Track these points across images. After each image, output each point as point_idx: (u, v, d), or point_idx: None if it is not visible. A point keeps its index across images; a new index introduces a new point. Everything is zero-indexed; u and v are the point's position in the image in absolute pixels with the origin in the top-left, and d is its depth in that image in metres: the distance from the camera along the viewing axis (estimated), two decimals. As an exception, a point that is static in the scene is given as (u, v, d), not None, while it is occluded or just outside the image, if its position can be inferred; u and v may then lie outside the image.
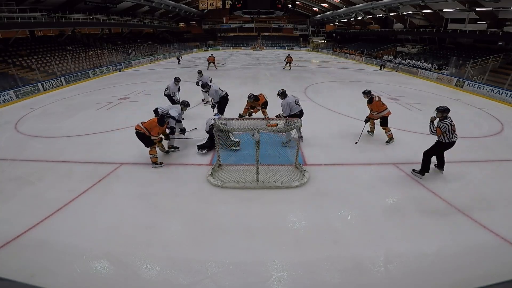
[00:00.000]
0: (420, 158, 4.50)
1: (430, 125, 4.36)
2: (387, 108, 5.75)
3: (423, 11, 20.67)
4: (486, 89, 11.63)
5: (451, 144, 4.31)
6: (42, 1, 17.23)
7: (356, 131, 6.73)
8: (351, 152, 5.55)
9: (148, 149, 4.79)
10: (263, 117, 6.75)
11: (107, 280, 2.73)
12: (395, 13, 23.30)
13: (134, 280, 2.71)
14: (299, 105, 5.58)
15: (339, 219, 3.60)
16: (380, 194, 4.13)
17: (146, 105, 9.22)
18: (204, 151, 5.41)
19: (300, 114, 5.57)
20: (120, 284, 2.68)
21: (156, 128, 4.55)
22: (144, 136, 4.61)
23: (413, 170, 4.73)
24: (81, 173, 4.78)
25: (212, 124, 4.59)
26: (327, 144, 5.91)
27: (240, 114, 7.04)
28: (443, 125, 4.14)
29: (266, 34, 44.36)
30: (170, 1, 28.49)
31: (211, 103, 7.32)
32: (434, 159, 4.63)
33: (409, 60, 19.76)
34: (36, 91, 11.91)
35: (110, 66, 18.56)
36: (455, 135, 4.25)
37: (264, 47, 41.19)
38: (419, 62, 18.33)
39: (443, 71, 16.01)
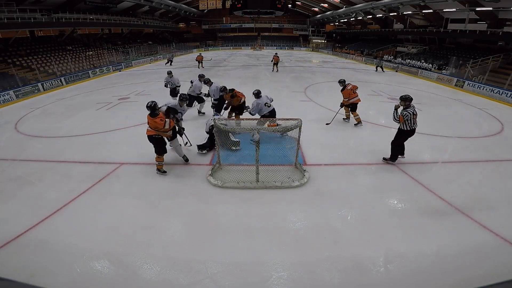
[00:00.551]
0: (420, 158, 4.51)
1: (394, 113, 4.60)
2: (357, 96, 6.68)
3: (423, 11, 20.66)
4: (486, 89, 11.63)
5: (412, 131, 4.59)
6: (42, 1, 17.22)
7: (356, 131, 6.74)
8: (351, 152, 5.55)
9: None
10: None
11: (107, 280, 2.73)
12: (395, 13, 23.30)
13: (134, 280, 2.71)
14: (269, 107, 5.82)
15: (339, 219, 3.60)
16: (380, 194, 4.13)
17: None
18: (204, 151, 5.41)
19: (270, 115, 5.82)
20: (120, 284, 2.68)
21: (161, 123, 4.37)
22: (159, 141, 4.40)
23: (384, 158, 5.10)
24: (81, 173, 4.78)
25: (212, 124, 4.58)
26: (327, 144, 5.91)
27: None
28: (405, 113, 4.45)
29: (266, 34, 44.35)
30: (170, 1, 28.48)
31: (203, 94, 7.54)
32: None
33: (409, 60, 19.73)
34: (36, 91, 11.91)
35: (110, 66, 18.56)
36: (416, 124, 4.56)
37: (264, 47, 41.19)
38: (419, 62, 18.31)
39: (443, 71, 16.01)
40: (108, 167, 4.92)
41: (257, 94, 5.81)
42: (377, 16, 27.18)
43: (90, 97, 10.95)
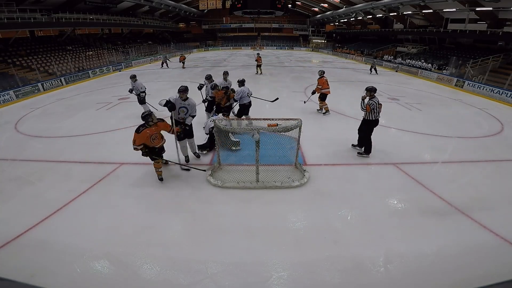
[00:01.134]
0: (420, 158, 4.50)
1: (361, 103, 4.99)
2: (328, 88, 7.67)
3: (423, 11, 20.66)
4: (486, 89, 11.63)
5: (376, 121, 5.00)
6: (42, 1, 17.22)
7: (356, 132, 6.73)
8: (351, 152, 5.55)
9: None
10: (262, 117, 6.69)
11: (107, 280, 2.73)
12: (395, 13, 23.30)
13: (134, 280, 2.71)
14: (249, 97, 6.30)
15: (339, 219, 3.60)
16: (380, 194, 4.13)
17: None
18: (204, 152, 5.41)
19: (248, 105, 6.35)
20: (120, 284, 2.68)
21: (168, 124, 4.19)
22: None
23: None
24: (81, 173, 4.78)
25: (213, 126, 4.58)
26: (327, 144, 5.91)
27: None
28: (372, 103, 4.81)
29: (266, 34, 44.36)
30: (170, 1, 28.48)
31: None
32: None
33: (409, 60, 19.73)
34: (36, 91, 11.91)
35: (110, 66, 18.56)
36: (379, 115, 4.97)
37: (264, 47, 41.20)
38: (419, 62, 18.30)
39: (444, 71, 16.01)
40: (108, 167, 4.92)
41: (242, 82, 6.36)
42: (377, 16, 27.19)
43: (90, 97, 10.95)
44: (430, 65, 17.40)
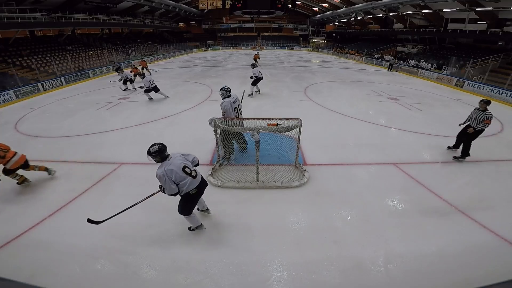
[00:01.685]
0: (420, 158, 4.49)
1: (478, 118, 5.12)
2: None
3: (423, 11, 20.65)
4: (486, 89, 11.63)
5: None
6: (42, 1, 17.23)
7: (356, 131, 6.73)
8: (351, 152, 5.55)
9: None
10: (262, 117, 6.72)
11: (107, 280, 2.73)
12: (395, 13, 23.30)
13: (134, 280, 2.71)
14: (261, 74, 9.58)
15: (339, 219, 3.60)
16: (380, 194, 4.13)
17: (146, 105, 9.25)
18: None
19: (261, 78, 9.88)
20: (120, 284, 2.68)
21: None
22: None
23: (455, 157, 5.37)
24: (81, 173, 4.78)
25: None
26: (327, 144, 5.90)
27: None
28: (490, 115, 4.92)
29: (266, 34, 44.34)
30: (170, 1, 28.49)
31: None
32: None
33: (409, 60, 19.73)
34: (36, 91, 11.90)
35: (110, 66, 18.55)
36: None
37: (264, 47, 41.20)
38: (419, 62, 18.30)
39: (444, 71, 16.01)
40: (108, 167, 4.92)
41: (253, 65, 9.44)
42: (377, 16, 27.18)
43: (90, 97, 10.95)
44: (430, 65, 17.40)
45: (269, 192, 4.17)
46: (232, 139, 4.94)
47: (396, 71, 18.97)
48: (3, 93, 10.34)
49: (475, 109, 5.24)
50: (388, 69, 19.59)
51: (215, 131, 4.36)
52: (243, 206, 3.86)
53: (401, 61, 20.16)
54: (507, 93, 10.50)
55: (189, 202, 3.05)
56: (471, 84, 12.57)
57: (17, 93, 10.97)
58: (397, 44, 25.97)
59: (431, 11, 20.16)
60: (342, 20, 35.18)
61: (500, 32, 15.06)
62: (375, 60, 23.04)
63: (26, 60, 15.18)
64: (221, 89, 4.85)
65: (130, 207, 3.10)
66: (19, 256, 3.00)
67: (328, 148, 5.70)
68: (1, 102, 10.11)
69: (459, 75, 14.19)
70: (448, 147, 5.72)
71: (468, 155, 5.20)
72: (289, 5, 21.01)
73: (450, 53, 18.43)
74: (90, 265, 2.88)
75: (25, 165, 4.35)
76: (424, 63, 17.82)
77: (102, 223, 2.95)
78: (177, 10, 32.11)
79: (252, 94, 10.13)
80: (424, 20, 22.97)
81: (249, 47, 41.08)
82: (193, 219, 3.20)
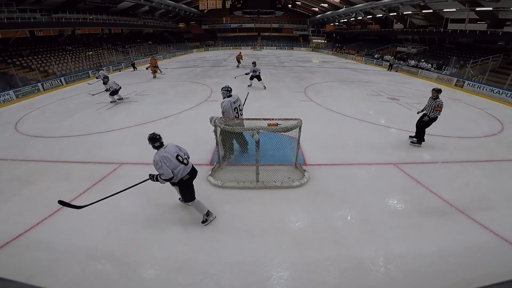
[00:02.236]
0: (420, 158, 4.50)
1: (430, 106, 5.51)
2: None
3: (423, 11, 20.65)
4: (486, 89, 11.63)
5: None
6: (42, 1, 17.23)
7: (356, 131, 6.73)
8: (351, 152, 5.55)
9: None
10: (262, 117, 6.73)
11: (107, 280, 2.73)
12: (395, 13, 23.30)
13: (134, 280, 2.71)
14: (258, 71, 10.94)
15: (339, 219, 3.60)
16: (380, 194, 4.13)
17: (146, 105, 9.25)
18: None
19: (259, 74, 11.39)
20: (120, 284, 2.68)
21: None
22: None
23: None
24: (81, 173, 4.78)
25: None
26: (327, 144, 5.90)
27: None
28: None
29: (266, 34, 44.33)
30: (170, 1, 28.49)
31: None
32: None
33: (409, 60, 19.72)
34: (36, 91, 11.90)
35: (110, 66, 18.55)
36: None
37: (264, 47, 41.19)
38: (419, 62, 18.30)
39: (444, 71, 16.00)
40: (108, 167, 4.92)
41: (254, 63, 11.19)
42: (377, 16, 27.18)
43: (90, 97, 10.94)
44: (430, 65, 17.39)
45: (269, 192, 4.17)
46: (232, 139, 4.94)
47: (396, 71, 18.96)
48: (3, 93, 10.34)
49: (429, 98, 5.63)
50: (388, 69, 19.59)
51: (215, 131, 4.36)
52: (243, 206, 3.86)
53: (401, 61, 20.19)
54: (507, 93, 10.49)
55: (186, 188, 3.29)
56: (471, 84, 12.56)
57: (17, 93, 10.97)
58: (397, 44, 25.96)
59: (431, 11, 20.16)
60: (342, 20, 35.18)
61: (500, 32, 15.05)
62: (375, 60, 23.04)
63: (26, 60, 15.18)
64: (222, 89, 4.84)
65: (114, 194, 3.31)
66: (19, 256, 3.00)
67: (328, 148, 5.70)
68: (1, 102, 10.11)
69: (459, 75, 14.19)
70: (410, 136, 6.07)
71: (423, 140, 5.73)
72: (289, 5, 21.01)
73: (450, 53, 18.43)
74: (90, 265, 2.88)
75: None
76: (424, 63, 17.82)
77: (102, 224, 2.95)
78: (177, 10, 32.11)
79: (251, 85, 11.87)
80: (424, 20, 22.97)
81: (249, 47, 41.07)
82: (199, 205, 3.43)
